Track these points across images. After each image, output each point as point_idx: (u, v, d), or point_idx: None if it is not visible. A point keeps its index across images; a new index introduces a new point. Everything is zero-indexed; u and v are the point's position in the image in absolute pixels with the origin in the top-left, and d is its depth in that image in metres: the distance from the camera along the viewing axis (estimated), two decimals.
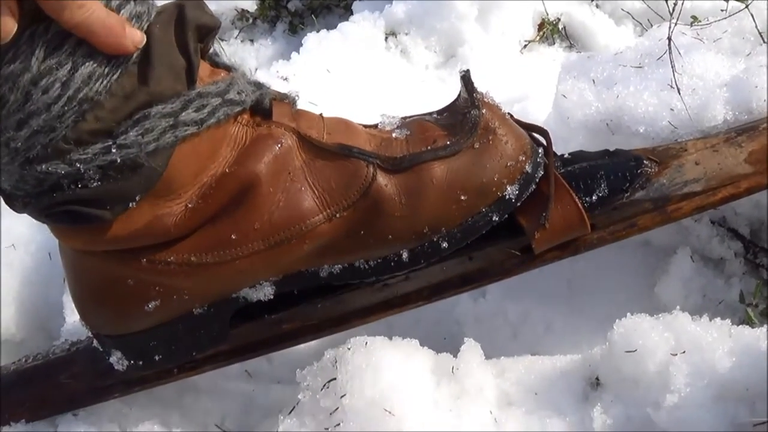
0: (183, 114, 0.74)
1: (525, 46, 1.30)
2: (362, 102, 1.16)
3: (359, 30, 1.27)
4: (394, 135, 0.85)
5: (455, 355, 0.91)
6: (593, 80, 1.01)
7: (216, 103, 0.76)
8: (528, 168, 0.84)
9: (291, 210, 0.80)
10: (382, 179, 0.81)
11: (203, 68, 0.78)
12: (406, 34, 1.29)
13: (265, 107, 0.82)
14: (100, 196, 0.73)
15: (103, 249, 0.79)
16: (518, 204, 0.85)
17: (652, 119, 0.96)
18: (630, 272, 1.04)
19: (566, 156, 0.92)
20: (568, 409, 0.90)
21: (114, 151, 0.72)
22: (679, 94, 0.94)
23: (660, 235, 1.03)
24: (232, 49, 1.42)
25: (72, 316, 1.03)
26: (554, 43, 1.32)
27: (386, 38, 1.29)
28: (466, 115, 0.84)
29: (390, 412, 0.83)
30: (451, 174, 0.82)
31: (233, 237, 0.79)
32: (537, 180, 0.85)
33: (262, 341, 0.91)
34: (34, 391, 0.96)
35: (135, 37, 0.71)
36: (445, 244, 0.84)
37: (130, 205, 0.75)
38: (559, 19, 1.31)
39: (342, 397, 0.84)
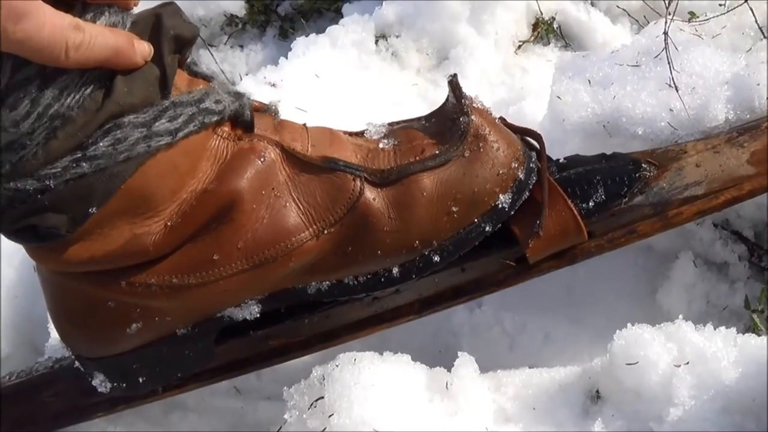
0: (156, 124, 0.69)
1: (519, 46, 1.24)
2: (352, 107, 1.10)
3: (348, 33, 1.20)
4: (380, 145, 0.79)
5: (450, 370, 0.84)
6: (589, 80, 0.94)
7: (191, 113, 0.71)
8: (521, 175, 0.79)
9: (275, 227, 0.74)
10: (369, 193, 0.76)
11: (181, 79, 0.73)
12: (397, 36, 1.22)
13: (246, 119, 0.76)
14: (59, 200, 0.67)
15: (81, 270, 0.73)
16: (511, 212, 0.79)
17: (650, 120, 0.90)
18: (631, 279, 0.98)
19: (561, 161, 0.86)
20: (568, 424, 0.85)
21: (85, 164, 0.66)
22: (678, 92, 0.87)
23: (661, 240, 0.97)
24: (221, 55, 1.35)
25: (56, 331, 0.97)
26: (549, 43, 1.25)
27: (376, 41, 1.23)
28: (455, 122, 0.78)
29: None
30: (441, 185, 0.76)
31: (215, 258, 0.73)
32: (530, 186, 0.79)
33: (248, 358, 0.86)
34: (17, 409, 0.91)
35: (144, 50, 0.68)
36: (437, 258, 0.78)
37: (90, 210, 0.69)
38: (554, 18, 1.25)
39: (330, 416, 0.78)
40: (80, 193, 0.68)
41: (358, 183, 0.75)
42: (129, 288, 0.73)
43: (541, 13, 1.24)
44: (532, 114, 1.06)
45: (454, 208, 0.76)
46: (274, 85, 0.93)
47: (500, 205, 0.78)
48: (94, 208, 0.69)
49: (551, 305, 0.97)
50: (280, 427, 0.81)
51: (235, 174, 0.73)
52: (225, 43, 1.37)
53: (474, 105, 0.79)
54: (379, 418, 0.78)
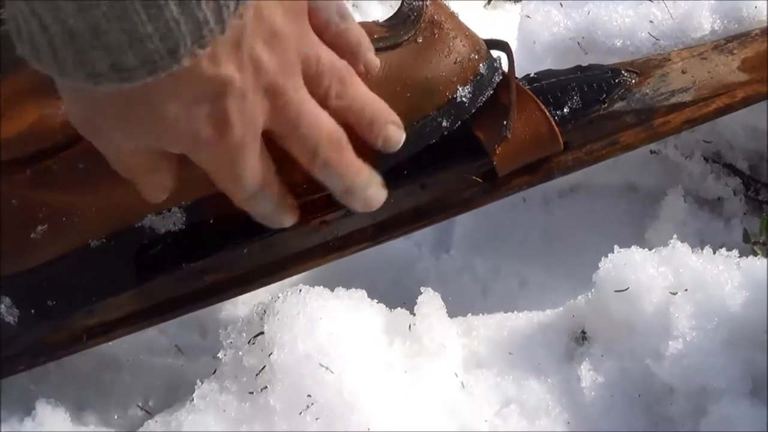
0: None
1: (489, 1, 1.12)
2: None
3: None
4: None
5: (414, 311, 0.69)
6: (560, 3, 0.81)
7: None
8: (482, 69, 0.66)
9: None
10: None
11: None
12: None
13: None
14: None
15: None
16: (472, 109, 0.65)
17: (629, 31, 0.77)
18: (615, 221, 0.85)
19: (532, 75, 0.73)
20: (550, 369, 0.70)
21: None
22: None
23: (647, 177, 0.85)
24: None
25: None
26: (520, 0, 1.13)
27: None
28: (410, 12, 0.66)
29: (328, 369, 0.62)
30: (390, 68, 0.63)
31: None
32: (494, 84, 0.66)
33: (180, 297, 0.70)
34: None
35: None
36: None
37: None
38: None
39: (270, 355, 0.63)
40: None
41: None
42: (33, 176, 0.62)
43: None
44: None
45: (404, 95, 0.63)
46: None
47: (459, 99, 0.64)
48: None
49: (527, 250, 0.84)
50: (215, 370, 0.66)
51: None
52: None
53: None
54: (326, 354, 0.63)
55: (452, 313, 0.72)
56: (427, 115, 0.64)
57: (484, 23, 1.07)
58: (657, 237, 0.79)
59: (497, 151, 0.66)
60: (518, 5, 1.10)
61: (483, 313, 0.75)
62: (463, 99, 0.64)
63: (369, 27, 0.67)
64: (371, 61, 0.59)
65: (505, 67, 0.69)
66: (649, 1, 0.77)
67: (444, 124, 0.65)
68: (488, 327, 0.73)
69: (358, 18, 1.09)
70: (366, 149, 0.59)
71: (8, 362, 0.73)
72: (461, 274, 0.82)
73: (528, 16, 0.81)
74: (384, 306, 0.70)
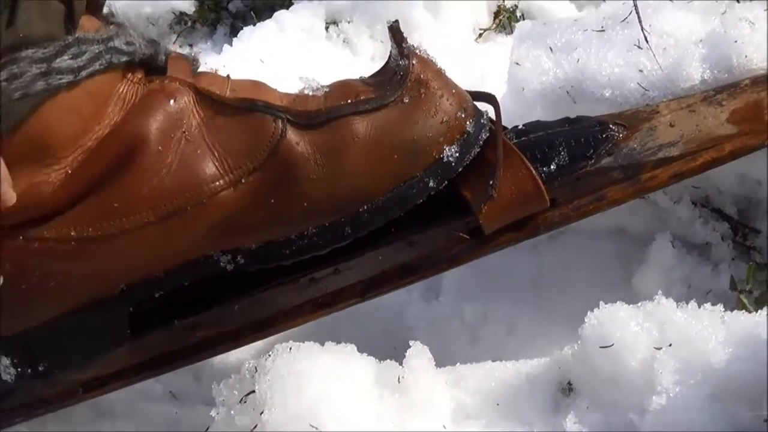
0: (57, 60, 0.59)
1: (480, 35, 1.12)
2: None
3: (297, 19, 1.08)
4: (311, 93, 0.67)
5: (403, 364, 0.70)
6: (550, 48, 0.81)
7: (97, 51, 0.61)
8: (469, 127, 0.66)
9: (185, 174, 0.62)
10: (293, 136, 0.64)
11: (91, 23, 0.63)
12: (349, 22, 1.10)
13: (160, 65, 0.66)
14: None
15: None
16: (459, 169, 0.66)
17: (618, 81, 0.77)
18: (603, 265, 0.84)
19: (520, 127, 0.73)
20: (536, 420, 0.70)
21: None
22: (649, 45, 0.74)
23: (635, 221, 0.84)
24: None
25: None
26: (512, 32, 1.12)
27: (327, 27, 1.11)
28: (396, 69, 0.67)
29: (317, 429, 0.62)
30: (376, 131, 0.64)
31: (116, 206, 0.62)
32: (481, 142, 0.67)
33: (173, 353, 0.71)
34: None
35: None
36: (373, 215, 0.65)
37: None
38: (516, 6, 1.13)
39: (261, 414, 0.63)
40: None
41: (280, 124, 0.64)
42: (25, 243, 0.62)
43: (503, 1, 1.12)
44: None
45: (392, 156, 0.64)
46: (216, 71, 0.81)
47: (446, 159, 0.65)
48: None
49: (516, 296, 0.83)
50: (208, 428, 0.66)
51: (141, 115, 0.63)
52: (174, 42, 1.26)
53: (417, 52, 0.67)
54: (316, 413, 0.63)
55: (441, 361, 0.73)
56: (414, 176, 0.65)
57: (474, 59, 1.07)
58: (644, 282, 0.79)
59: (483, 210, 0.66)
60: (509, 38, 1.10)
61: (472, 362, 0.75)
62: (450, 159, 0.65)
63: (355, 86, 0.67)
64: (6, 197, 0.59)
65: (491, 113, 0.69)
66: (639, 49, 0.76)
67: (431, 184, 0.65)
68: (476, 378, 0.73)
69: (348, 54, 1.10)
70: None
71: (7, 415, 0.74)
72: (451, 321, 0.82)
73: (517, 63, 0.81)
74: (374, 358, 0.70)
